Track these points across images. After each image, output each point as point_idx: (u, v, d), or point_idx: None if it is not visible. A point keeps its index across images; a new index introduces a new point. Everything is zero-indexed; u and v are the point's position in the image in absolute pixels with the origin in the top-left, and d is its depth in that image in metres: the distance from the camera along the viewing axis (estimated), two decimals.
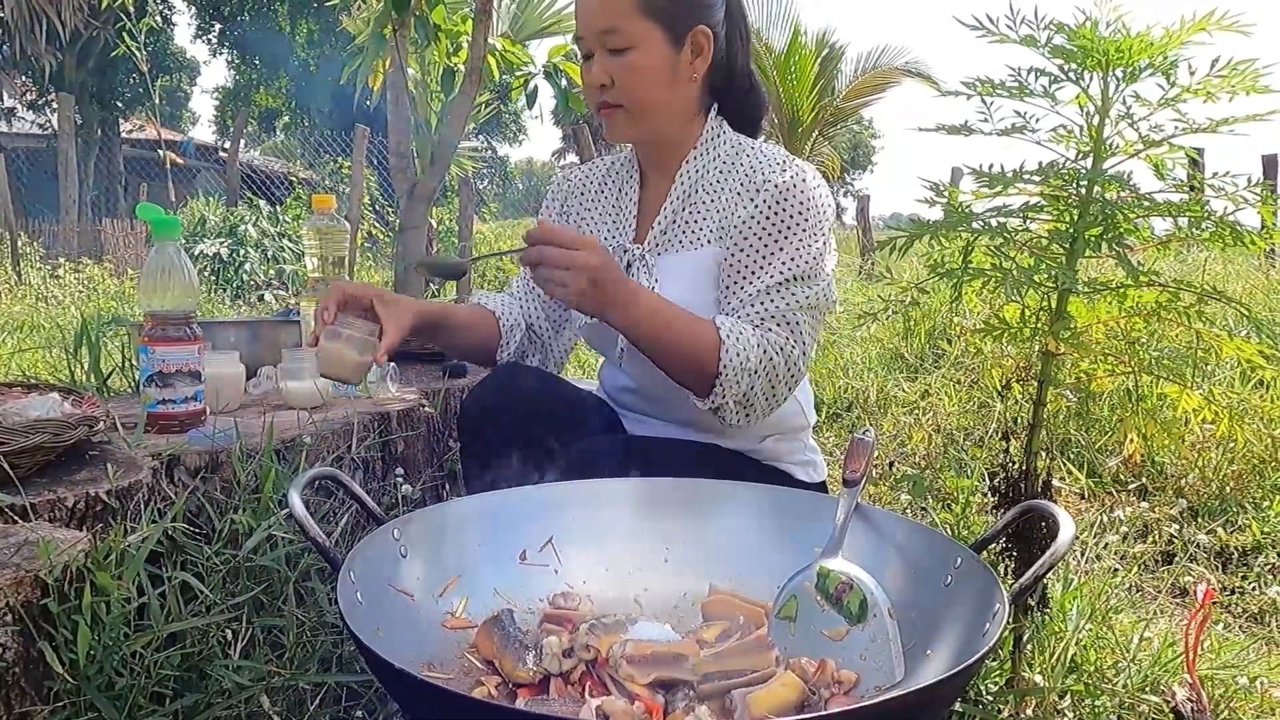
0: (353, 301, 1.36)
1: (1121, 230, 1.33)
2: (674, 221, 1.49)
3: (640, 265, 1.47)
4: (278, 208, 10.19)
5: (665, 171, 1.52)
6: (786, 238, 1.39)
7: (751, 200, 1.41)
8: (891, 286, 1.56)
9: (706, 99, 1.50)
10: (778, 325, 1.37)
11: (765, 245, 1.39)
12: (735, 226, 1.42)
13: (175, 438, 1.40)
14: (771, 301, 1.38)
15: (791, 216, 1.39)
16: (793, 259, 1.38)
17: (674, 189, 1.49)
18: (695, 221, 1.47)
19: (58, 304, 6.46)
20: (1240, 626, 1.89)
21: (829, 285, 1.42)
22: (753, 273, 1.39)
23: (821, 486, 1.61)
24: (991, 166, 1.35)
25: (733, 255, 1.41)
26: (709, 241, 1.45)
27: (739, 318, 1.38)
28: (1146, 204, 1.32)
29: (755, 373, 1.34)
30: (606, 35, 1.40)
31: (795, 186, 1.40)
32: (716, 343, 1.31)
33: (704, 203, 1.47)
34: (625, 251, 1.50)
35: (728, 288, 1.42)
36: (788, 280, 1.38)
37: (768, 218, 1.39)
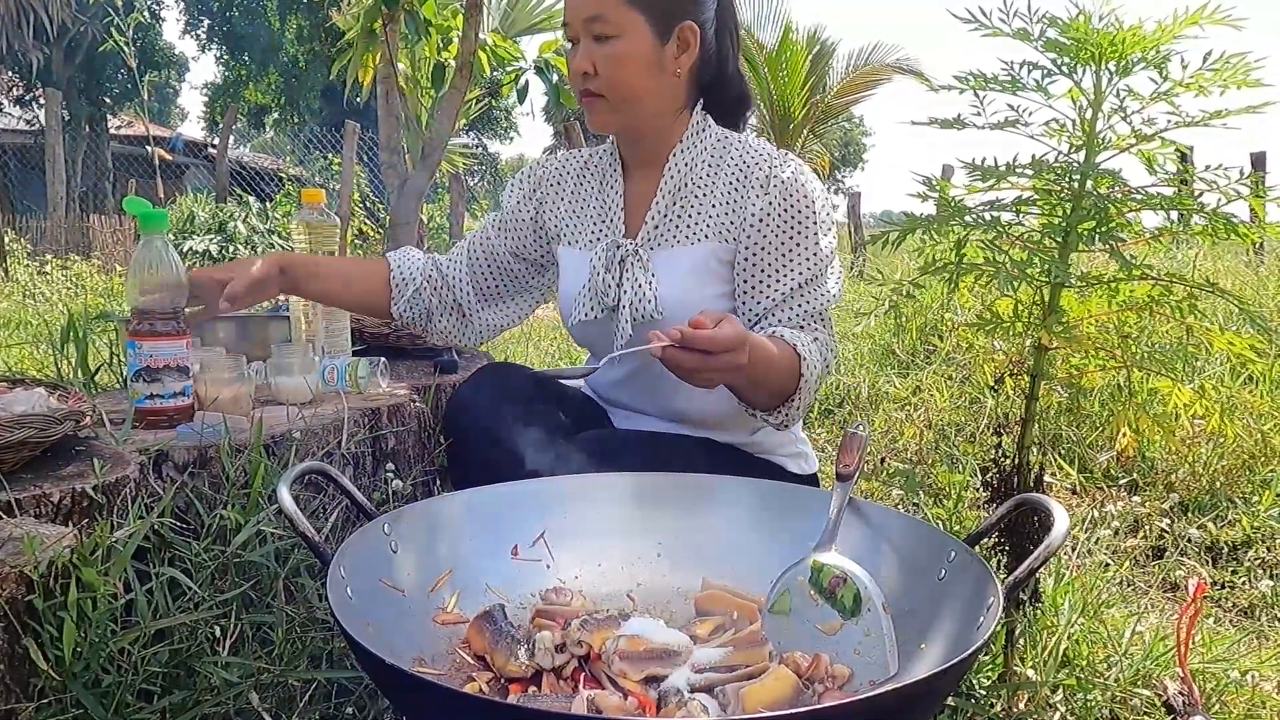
0: (210, 290, 1.48)
1: (1114, 224, 1.33)
2: (665, 216, 1.48)
3: (635, 260, 1.46)
4: (267, 204, 10.16)
5: (649, 165, 1.51)
6: (804, 234, 1.40)
7: (760, 195, 1.42)
8: (884, 285, 1.56)
9: (694, 94, 1.50)
10: (818, 323, 1.40)
11: (783, 243, 1.40)
12: (749, 223, 1.42)
13: (164, 433, 1.39)
14: (806, 300, 1.40)
15: (802, 212, 1.40)
16: (815, 255, 1.40)
17: (663, 183, 1.48)
18: (689, 216, 1.47)
19: (45, 300, 6.42)
20: (1231, 621, 1.90)
21: (839, 276, 1.44)
22: (778, 271, 1.40)
23: (813, 479, 1.60)
24: (984, 161, 1.35)
25: (752, 254, 1.42)
26: (706, 237, 1.45)
27: (778, 318, 1.39)
28: (1139, 198, 1.32)
29: (819, 378, 1.35)
30: (592, 23, 1.40)
31: (799, 181, 1.41)
32: (797, 361, 1.31)
33: (696, 197, 1.47)
34: (619, 247, 1.48)
35: (753, 286, 1.42)
36: (814, 278, 1.40)
37: (782, 214, 1.40)
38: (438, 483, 1.74)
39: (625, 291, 1.45)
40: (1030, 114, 1.35)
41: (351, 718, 1.28)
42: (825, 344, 1.39)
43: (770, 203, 1.40)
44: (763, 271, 1.41)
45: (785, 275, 1.40)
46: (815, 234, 1.41)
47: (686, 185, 1.48)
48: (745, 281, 1.43)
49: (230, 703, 1.15)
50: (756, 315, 1.42)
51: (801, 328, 1.39)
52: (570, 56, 1.45)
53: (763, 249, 1.41)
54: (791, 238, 1.40)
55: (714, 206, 1.45)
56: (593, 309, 1.49)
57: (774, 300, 1.40)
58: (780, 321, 1.39)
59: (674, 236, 1.47)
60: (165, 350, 1.41)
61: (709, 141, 1.49)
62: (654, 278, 1.45)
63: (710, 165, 1.48)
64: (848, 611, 1.05)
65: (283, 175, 13.71)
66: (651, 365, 1.42)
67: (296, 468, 1.09)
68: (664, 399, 1.51)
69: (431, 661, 1.04)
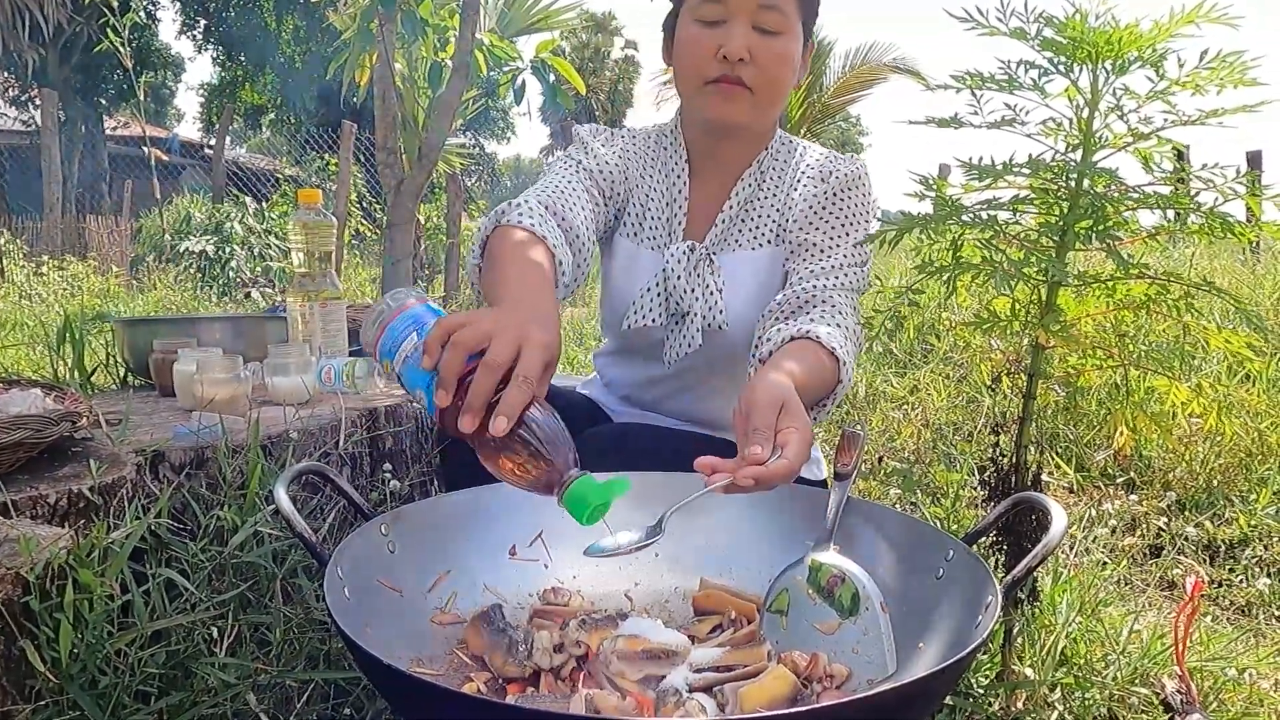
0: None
1: (1111, 223, 1.33)
2: (733, 222, 1.47)
3: (706, 265, 1.42)
4: (264, 204, 10.14)
5: (722, 167, 1.48)
6: (854, 224, 1.41)
7: (820, 183, 1.42)
8: (882, 292, 1.57)
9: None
10: (854, 299, 1.38)
11: (834, 228, 1.40)
12: (799, 208, 1.42)
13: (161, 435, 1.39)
14: (849, 276, 1.38)
15: (856, 205, 1.41)
16: (858, 246, 1.41)
17: (738, 188, 1.46)
18: (752, 220, 1.46)
19: (41, 301, 6.41)
20: (1228, 619, 1.90)
21: (869, 273, 1.45)
22: (824, 250, 1.39)
23: (822, 485, 1.60)
24: (981, 160, 1.34)
25: (803, 232, 1.41)
26: (768, 241, 1.45)
27: (822, 285, 1.34)
28: (1136, 196, 1.32)
29: (848, 382, 1.28)
30: (765, 11, 1.34)
31: (861, 178, 1.43)
32: (836, 368, 1.23)
33: (762, 201, 1.47)
34: (693, 250, 1.43)
35: (801, 259, 1.39)
36: (859, 263, 1.40)
37: (837, 203, 1.41)
38: (435, 483, 1.74)
39: (698, 298, 1.41)
40: (1027, 113, 1.35)
41: (349, 718, 1.28)
42: (856, 333, 1.35)
43: (827, 190, 1.41)
44: (813, 246, 1.40)
45: (832, 253, 1.39)
46: (862, 228, 1.41)
47: (756, 190, 1.47)
48: (792, 253, 1.42)
49: (228, 704, 1.15)
50: (804, 278, 1.38)
51: (836, 300, 1.34)
52: (701, 36, 1.35)
53: (815, 226, 1.40)
54: (843, 224, 1.40)
55: (776, 210, 1.45)
56: (660, 314, 1.43)
57: (814, 271, 1.37)
58: (823, 289, 1.33)
59: (739, 241, 1.46)
60: None
61: (777, 146, 1.50)
62: (724, 283, 1.42)
63: (778, 172, 1.48)
64: (846, 611, 1.05)
65: (279, 175, 13.69)
66: (706, 366, 1.41)
67: (293, 468, 1.09)
68: (699, 400, 1.48)
69: (429, 662, 1.04)
